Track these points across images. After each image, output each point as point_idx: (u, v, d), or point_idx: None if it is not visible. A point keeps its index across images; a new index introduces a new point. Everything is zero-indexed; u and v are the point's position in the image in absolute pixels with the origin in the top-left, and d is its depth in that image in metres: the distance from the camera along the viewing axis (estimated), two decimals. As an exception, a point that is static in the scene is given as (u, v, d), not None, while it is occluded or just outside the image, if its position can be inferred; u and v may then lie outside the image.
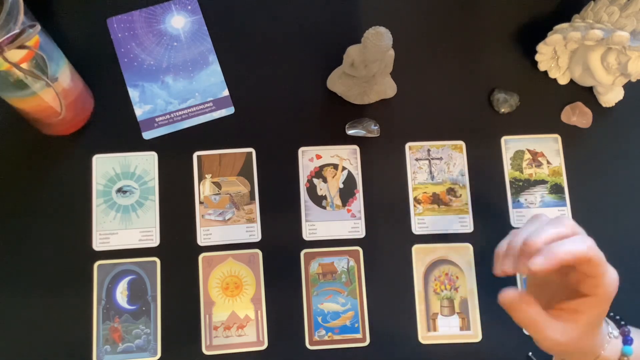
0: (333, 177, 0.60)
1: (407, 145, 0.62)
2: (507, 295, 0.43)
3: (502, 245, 0.42)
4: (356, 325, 0.57)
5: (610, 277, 0.41)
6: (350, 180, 0.61)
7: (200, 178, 0.59)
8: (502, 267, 0.41)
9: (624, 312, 0.50)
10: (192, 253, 0.58)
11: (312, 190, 0.60)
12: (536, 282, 0.48)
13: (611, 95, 0.63)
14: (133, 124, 0.60)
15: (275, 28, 0.63)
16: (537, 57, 0.62)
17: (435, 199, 0.61)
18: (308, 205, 0.60)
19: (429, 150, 0.62)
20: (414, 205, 0.60)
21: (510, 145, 0.62)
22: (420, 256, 0.59)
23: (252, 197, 0.59)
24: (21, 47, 0.43)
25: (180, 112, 0.61)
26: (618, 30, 0.53)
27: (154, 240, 0.58)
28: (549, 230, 0.40)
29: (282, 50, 0.63)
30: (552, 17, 0.64)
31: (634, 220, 0.61)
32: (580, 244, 0.39)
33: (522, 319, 0.44)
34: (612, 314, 0.49)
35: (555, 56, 0.62)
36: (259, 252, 0.58)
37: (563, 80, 0.64)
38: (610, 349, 0.45)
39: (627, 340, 0.46)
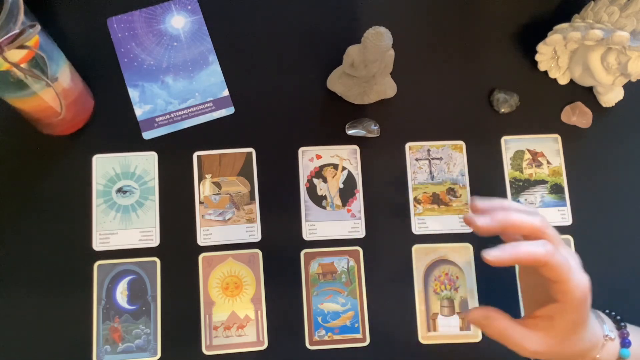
0: (333, 177, 0.60)
1: (407, 145, 0.62)
2: (473, 315, 0.45)
3: (485, 205, 0.43)
4: (356, 325, 0.57)
5: (576, 283, 0.41)
6: (350, 180, 0.61)
7: (200, 178, 0.59)
8: (480, 222, 0.41)
9: (625, 311, 0.50)
10: (192, 253, 0.58)
11: (312, 190, 0.60)
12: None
13: (611, 95, 0.63)
14: (133, 124, 0.60)
15: (275, 28, 0.63)
16: (537, 57, 0.62)
17: (435, 199, 0.61)
18: (308, 205, 0.60)
19: (429, 150, 0.62)
20: (414, 205, 0.60)
21: (510, 145, 0.62)
22: (420, 256, 0.59)
23: (252, 197, 0.59)
24: (21, 47, 0.43)
25: (180, 112, 0.61)
26: (618, 30, 0.53)
27: (154, 240, 0.58)
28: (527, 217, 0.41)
29: (282, 50, 0.63)
30: (552, 17, 0.64)
31: (634, 220, 0.61)
32: (538, 247, 0.40)
33: (493, 334, 0.45)
34: (613, 313, 0.49)
35: (555, 56, 0.62)
36: (259, 252, 0.58)
37: (563, 80, 0.64)
38: (606, 352, 0.45)
39: (625, 343, 0.46)
